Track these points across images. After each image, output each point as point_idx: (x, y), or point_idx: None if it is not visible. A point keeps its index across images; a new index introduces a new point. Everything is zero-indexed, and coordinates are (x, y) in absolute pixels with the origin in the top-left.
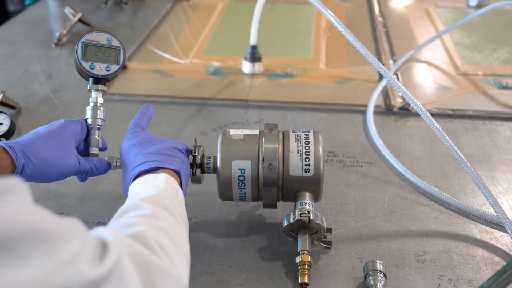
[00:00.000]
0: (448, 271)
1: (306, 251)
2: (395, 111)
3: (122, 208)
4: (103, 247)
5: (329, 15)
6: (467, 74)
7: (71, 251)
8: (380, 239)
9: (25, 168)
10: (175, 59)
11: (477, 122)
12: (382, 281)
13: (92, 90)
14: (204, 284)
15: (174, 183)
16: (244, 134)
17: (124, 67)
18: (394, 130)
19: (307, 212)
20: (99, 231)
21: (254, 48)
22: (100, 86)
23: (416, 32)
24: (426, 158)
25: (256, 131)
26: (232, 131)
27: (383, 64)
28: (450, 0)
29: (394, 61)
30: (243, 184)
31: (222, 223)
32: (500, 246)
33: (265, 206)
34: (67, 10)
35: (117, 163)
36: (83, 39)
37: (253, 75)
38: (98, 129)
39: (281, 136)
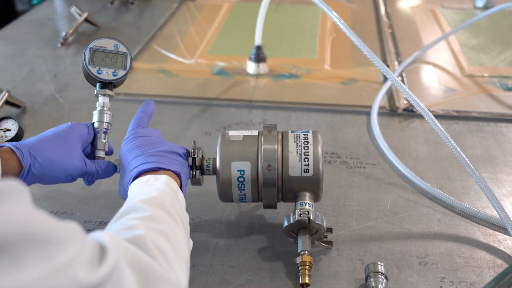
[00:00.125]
0: (450, 273)
1: (306, 252)
2: (400, 113)
3: (122, 209)
4: (102, 252)
5: (333, 16)
6: (472, 76)
7: (68, 256)
8: (382, 241)
9: (32, 168)
10: (180, 59)
11: (482, 124)
12: (383, 283)
13: (100, 95)
14: (205, 285)
15: (175, 185)
16: (243, 135)
17: None
18: (398, 132)
19: (306, 213)
20: (98, 235)
21: (259, 48)
22: (107, 91)
23: (422, 33)
24: (430, 159)
25: (255, 132)
26: (231, 133)
27: (388, 66)
28: (457, 1)
29: (399, 62)
30: (242, 186)
31: (224, 223)
32: (503, 249)
33: (265, 206)
34: (73, 9)
35: None
36: (91, 45)
37: (257, 75)
38: (105, 132)
39: (280, 136)
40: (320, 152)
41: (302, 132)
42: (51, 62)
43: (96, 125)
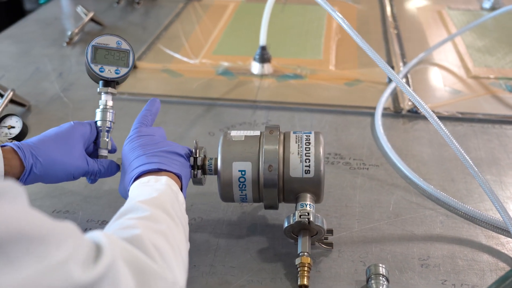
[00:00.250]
0: (452, 276)
1: (306, 253)
2: (404, 114)
3: (121, 209)
4: (97, 251)
5: (337, 16)
6: (478, 77)
7: (63, 255)
8: (384, 243)
9: (33, 168)
10: (185, 59)
11: (487, 126)
12: (384, 285)
13: (102, 93)
14: (205, 285)
15: (175, 186)
16: (245, 136)
17: (134, 66)
18: (402, 133)
19: (306, 214)
20: (94, 234)
21: (263, 48)
22: (110, 89)
23: (428, 34)
24: (434, 161)
25: (257, 133)
26: (233, 133)
27: (393, 67)
28: (463, 2)
29: (405, 63)
30: (243, 186)
31: (225, 224)
32: (506, 252)
33: (266, 207)
34: (80, 9)
35: None
36: (93, 43)
37: (262, 75)
38: (108, 131)
39: (282, 137)
40: (321, 153)
41: (304, 133)
42: (57, 61)
43: (99, 123)
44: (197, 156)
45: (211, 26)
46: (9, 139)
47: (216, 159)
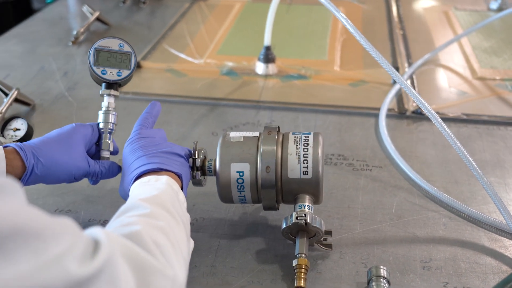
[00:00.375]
0: (454, 278)
1: (303, 254)
2: (408, 115)
3: (122, 207)
4: (95, 246)
5: (341, 17)
6: (483, 79)
7: (59, 250)
8: (386, 245)
9: (35, 168)
10: (189, 58)
11: (492, 127)
12: (385, 287)
13: (105, 95)
14: (206, 285)
15: (176, 186)
16: (243, 137)
17: (138, 66)
18: (406, 134)
19: (303, 215)
20: (93, 230)
21: (268, 49)
22: (112, 91)
23: (434, 35)
24: (438, 163)
25: (256, 134)
26: (232, 134)
27: (398, 67)
28: (470, 2)
29: (410, 64)
30: (242, 187)
31: (227, 224)
32: (509, 255)
33: (265, 208)
34: (85, 8)
35: None
36: (95, 45)
37: (266, 76)
38: (110, 133)
39: (280, 138)
40: (320, 154)
41: (303, 134)
42: (62, 61)
43: (101, 125)
44: (196, 157)
45: (216, 26)
46: (14, 141)
47: (216, 160)
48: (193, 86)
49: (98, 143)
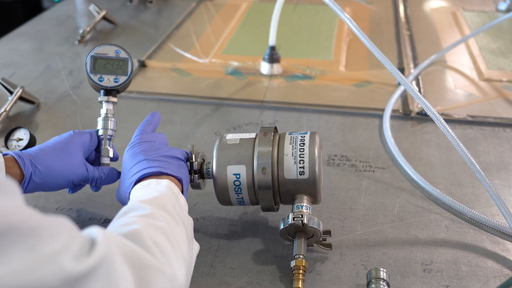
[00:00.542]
0: (455, 281)
1: (301, 255)
2: (413, 116)
3: (122, 209)
4: (92, 244)
5: (345, 17)
6: (490, 80)
7: (55, 247)
8: (387, 246)
9: (33, 176)
10: (194, 58)
11: (497, 129)
12: None
13: (103, 102)
14: (205, 285)
15: (176, 189)
16: (240, 139)
17: (143, 65)
18: (410, 136)
19: (300, 216)
20: (90, 230)
21: (272, 49)
22: (111, 98)
23: (441, 36)
24: (441, 165)
25: (253, 135)
26: (229, 136)
27: (404, 68)
28: (479, 3)
29: (416, 65)
30: (239, 189)
31: (227, 224)
32: (511, 258)
33: (264, 209)
34: (92, 7)
35: None
36: (92, 53)
37: (271, 76)
38: (109, 139)
39: (277, 139)
40: (316, 154)
41: (300, 133)
42: (68, 59)
43: (100, 132)
44: (193, 160)
45: (222, 26)
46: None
47: (212, 163)
48: (198, 85)
49: (98, 149)
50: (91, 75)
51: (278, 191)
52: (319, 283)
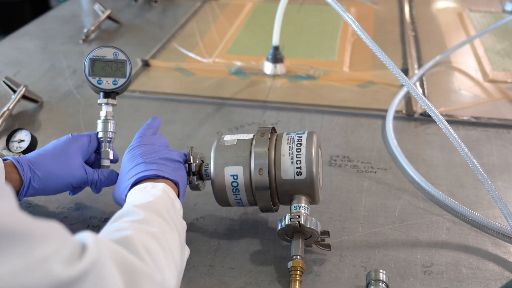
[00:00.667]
0: (455, 284)
1: (298, 256)
2: (416, 117)
3: (117, 214)
4: (82, 249)
5: (348, 17)
6: (495, 81)
7: (45, 252)
8: (387, 248)
9: (32, 182)
10: (198, 57)
11: (501, 131)
12: None
13: (102, 104)
14: (203, 286)
15: (172, 193)
16: (237, 140)
17: (147, 65)
18: (413, 137)
19: (297, 217)
20: (82, 235)
21: (276, 49)
22: (110, 100)
23: (447, 36)
24: (444, 166)
25: (250, 136)
26: (227, 137)
27: (408, 69)
28: (485, 4)
29: (420, 66)
30: (237, 190)
31: (227, 224)
32: None
33: (262, 210)
34: (97, 7)
35: None
36: (90, 55)
37: (274, 76)
38: (109, 141)
39: (274, 139)
40: (313, 154)
41: (297, 134)
42: (72, 58)
43: (100, 134)
44: (191, 162)
45: (227, 25)
46: (19, 152)
47: (210, 165)
48: (201, 85)
49: (98, 151)
50: (90, 78)
51: (275, 191)
52: (318, 284)
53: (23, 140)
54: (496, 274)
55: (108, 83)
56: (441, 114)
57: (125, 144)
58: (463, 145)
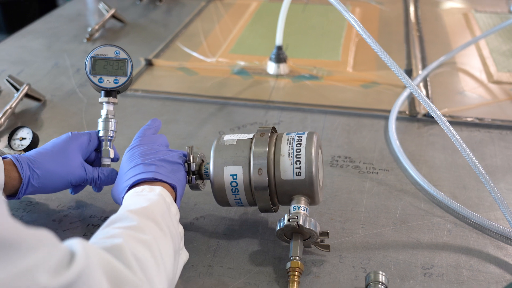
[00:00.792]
0: (455, 286)
1: (297, 257)
2: (420, 118)
3: (111, 218)
4: (70, 258)
5: (350, 17)
6: (500, 82)
7: (32, 261)
8: (387, 249)
9: (31, 180)
10: (201, 57)
11: (505, 132)
12: None
13: (103, 103)
14: (201, 286)
15: (169, 197)
16: (237, 139)
17: (150, 64)
18: (416, 138)
19: (295, 217)
20: (71, 242)
21: (279, 48)
22: (110, 99)
23: (452, 37)
24: (446, 167)
25: (250, 136)
26: (227, 137)
27: (412, 70)
28: (491, 4)
29: (424, 66)
30: (236, 190)
31: (227, 224)
32: None
33: (262, 210)
34: (102, 6)
35: None
36: (92, 54)
37: (277, 76)
38: (110, 140)
39: (274, 139)
40: (313, 154)
41: (297, 134)
42: (76, 57)
43: (101, 133)
44: (191, 162)
45: (231, 25)
46: (20, 150)
47: (209, 164)
48: (204, 84)
49: (99, 150)
50: (91, 77)
51: (275, 192)
52: (316, 285)
53: (24, 138)
54: (497, 277)
55: (109, 82)
56: (445, 115)
57: (126, 143)
58: (465, 146)
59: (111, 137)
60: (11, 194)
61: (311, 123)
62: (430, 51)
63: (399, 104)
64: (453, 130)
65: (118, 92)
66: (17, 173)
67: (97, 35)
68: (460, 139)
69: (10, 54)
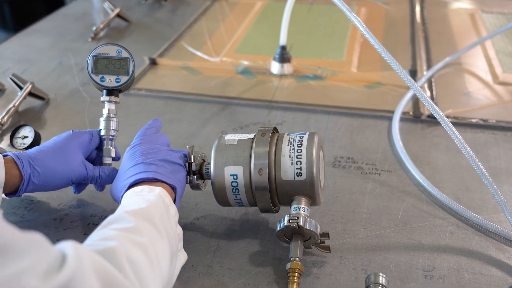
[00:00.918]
0: None
1: (296, 258)
2: (423, 119)
3: (108, 218)
4: (62, 262)
5: (353, 17)
6: (505, 83)
7: (22, 266)
8: (388, 251)
9: (32, 178)
10: (206, 56)
11: (510, 134)
12: None
13: (105, 102)
14: (201, 286)
15: (168, 198)
16: (238, 139)
17: (154, 63)
18: (419, 139)
19: (296, 218)
20: (63, 245)
21: (283, 48)
22: (113, 98)
23: (458, 38)
24: (450, 169)
25: (251, 136)
26: (228, 137)
27: (416, 70)
28: (498, 5)
29: (429, 67)
30: (237, 190)
31: (228, 224)
32: None
33: (262, 211)
34: (107, 5)
35: None
36: (93, 53)
37: (281, 75)
38: (111, 139)
39: (275, 139)
40: (314, 154)
41: (298, 134)
42: (80, 56)
43: (102, 132)
44: (192, 161)
45: (236, 25)
46: (22, 148)
47: (210, 164)
48: (207, 84)
49: (100, 149)
50: (93, 75)
51: (275, 192)
52: (317, 286)
53: (26, 137)
54: (498, 280)
55: (111, 81)
56: (449, 117)
57: (129, 142)
58: (468, 147)
59: (113, 136)
60: (12, 192)
61: (314, 123)
62: (435, 52)
63: (403, 104)
64: (455, 131)
65: (120, 91)
66: (17, 170)
67: (102, 34)
68: (463, 140)
69: (15, 53)
